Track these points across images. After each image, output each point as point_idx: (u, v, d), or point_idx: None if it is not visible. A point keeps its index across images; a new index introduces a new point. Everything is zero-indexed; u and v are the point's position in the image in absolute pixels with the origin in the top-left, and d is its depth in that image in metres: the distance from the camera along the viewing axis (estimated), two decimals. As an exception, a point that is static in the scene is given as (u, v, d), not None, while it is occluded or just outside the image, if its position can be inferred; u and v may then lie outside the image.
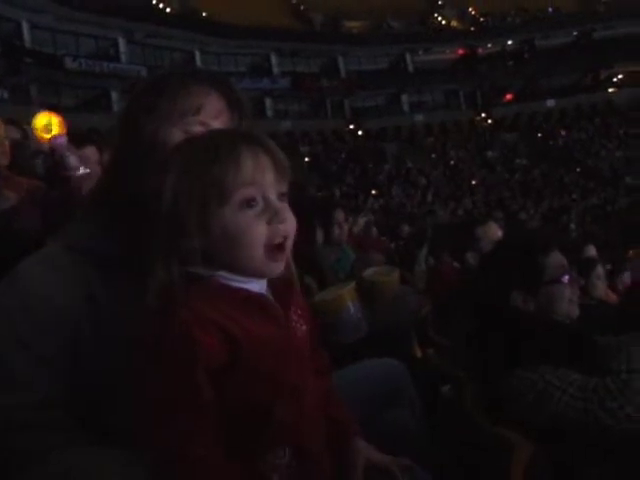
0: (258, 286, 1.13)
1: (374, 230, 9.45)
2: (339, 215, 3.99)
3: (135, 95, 1.34)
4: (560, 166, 30.99)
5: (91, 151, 2.97)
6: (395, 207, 24.41)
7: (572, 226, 18.44)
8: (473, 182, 29.84)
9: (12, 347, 1.16)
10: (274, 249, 1.09)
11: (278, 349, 1.09)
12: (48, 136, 2.39)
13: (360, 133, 34.46)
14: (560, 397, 1.66)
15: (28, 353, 1.16)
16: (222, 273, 1.09)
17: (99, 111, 26.22)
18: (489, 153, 33.59)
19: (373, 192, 26.55)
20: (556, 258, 1.95)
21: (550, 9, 38.58)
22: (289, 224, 1.11)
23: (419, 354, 3.60)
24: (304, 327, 1.20)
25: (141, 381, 1.03)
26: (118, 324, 1.14)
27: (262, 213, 1.08)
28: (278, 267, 1.11)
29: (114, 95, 28.36)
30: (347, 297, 2.99)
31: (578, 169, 30.75)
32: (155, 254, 1.06)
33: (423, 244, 6.04)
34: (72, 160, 2.30)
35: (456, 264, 3.80)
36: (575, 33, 37.62)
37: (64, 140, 2.33)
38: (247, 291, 1.11)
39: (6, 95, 23.32)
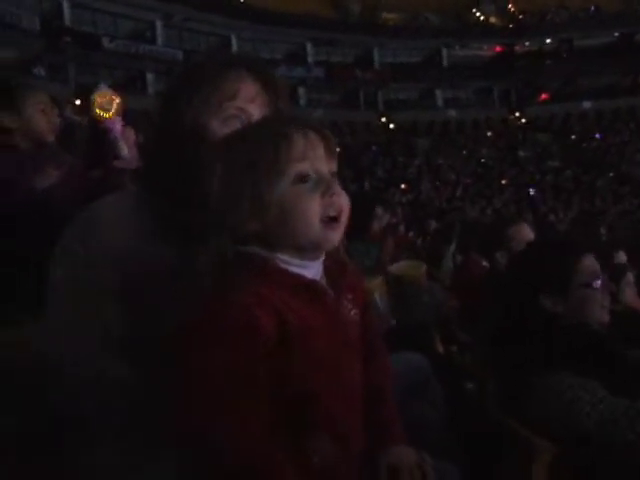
0: (313, 271, 1.14)
1: (401, 228, 9.43)
2: (378, 211, 3.99)
3: (172, 83, 1.38)
4: (593, 170, 30.53)
5: (128, 132, 3.01)
6: (423, 202, 24.28)
7: (602, 231, 18.17)
8: (503, 181, 29.54)
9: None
10: (330, 221, 1.11)
11: (328, 337, 1.11)
12: (106, 115, 2.38)
13: (392, 126, 34.26)
14: (589, 412, 1.64)
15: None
16: (280, 256, 1.11)
17: (134, 92, 26.44)
18: (521, 153, 33.19)
19: (402, 186, 26.43)
20: (589, 262, 1.94)
21: (592, 8, 37.87)
22: (343, 198, 1.13)
23: (441, 350, 3.61)
24: (355, 312, 1.20)
25: (194, 362, 1.03)
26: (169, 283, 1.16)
27: (315, 187, 1.10)
28: (335, 236, 1.12)
29: (149, 77, 28.55)
30: (375, 289, 3.01)
31: (611, 174, 30.26)
32: (209, 231, 1.08)
33: (451, 240, 6.02)
34: (124, 151, 2.28)
35: (485, 262, 3.79)
36: (616, 34, 36.88)
37: (121, 128, 2.32)
38: (302, 277, 1.12)
39: (43, 73, 23.61)
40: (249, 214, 1.08)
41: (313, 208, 1.09)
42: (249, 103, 1.29)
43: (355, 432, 1.17)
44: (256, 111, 1.30)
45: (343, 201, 1.13)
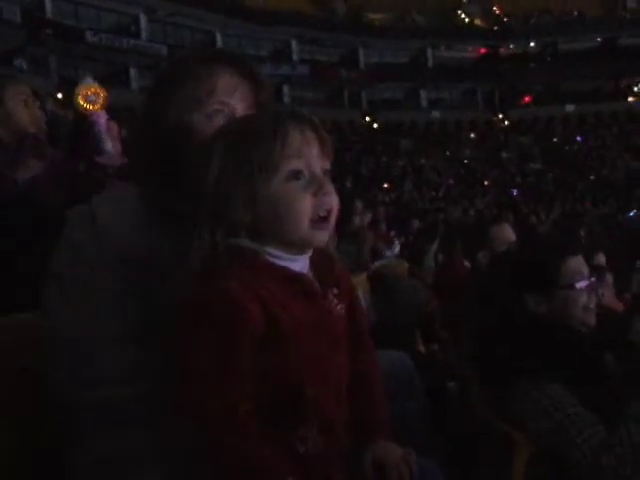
0: (301, 264, 1.16)
1: (382, 226, 9.46)
2: (358, 205, 4.01)
3: (156, 81, 1.39)
4: (574, 172, 30.82)
5: (114, 127, 2.98)
6: (406, 202, 24.36)
7: (582, 233, 18.34)
8: (486, 182, 29.72)
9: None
10: (319, 221, 1.12)
11: (313, 329, 1.12)
12: (91, 108, 2.34)
13: (375, 126, 34.34)
14: (575, 440, 1.62)
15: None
16: (268, 249, 1.12)
17: (117, 87, 26.26)
18: (503, 154, 33.42)
19: (385, 186, 26.50)
20: (574, 263, 1.92)
21: (575, 13, 38.23)
22: (333, 198, 1.14)
23: (422, 349, 3.63)
24: (341, 306, 1.21)
25: (183, 345, 1.06)
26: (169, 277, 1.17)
27: (308, 186, 1.11)
28: (323, 236, 1.14)
29: (133, 72, 28.39)
30: (358, 286, 3.01)
31: (592, 177, 30.56)
32: (202, 223, 1.10)
33: (434, 240, 6.05)
34: (108, 145, 2.26)
35: (467, 262, 3.81)
36: (599, 39, 37.28)
37: (106, 122, 2.29)
38: (289, 270, 1.13)
39: (25, 66, 23.38)
40: (241, 207, 1.09)
41: (304, 207, 1.10)
42: (229, 96, 1.30)
43: (340, 423, 1.18)
44: (238, 104, 1.30)
45: (333, 200, 1.14)
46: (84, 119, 2.30)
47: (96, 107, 2.27)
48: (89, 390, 1.19)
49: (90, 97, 2.28)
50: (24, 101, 2.55)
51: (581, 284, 1.90)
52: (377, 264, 3.66)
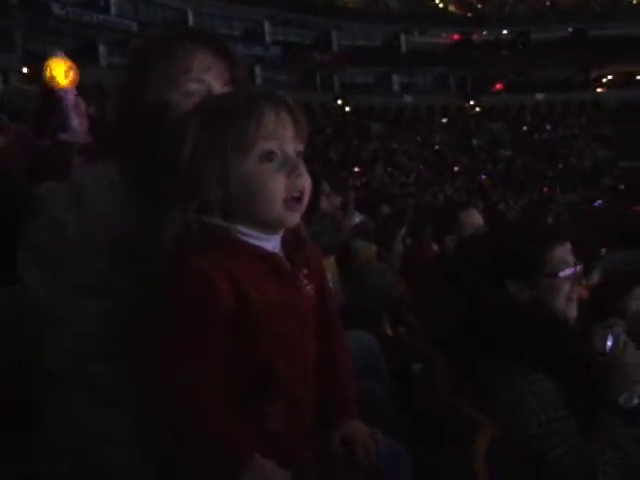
0: (272, 244, 1.16)
1: (351, 208, 9.47)
2: (325, 187, 4.00)
3: (130, 62, 1.41)
4: (543, 160, 31.21)
5: (81, 103, 2.93)
6: (376, 187, 24.43)
7: (549, 221, 18.62)
8: (456, 168, 29.95)
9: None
10: (292, 201, 1.12)
11: (284, 307, 1.13)
12: (61, 83, 2.29)
13: (347, 109, 34.29)
14: (554, 448, 1.59)
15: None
16: (240, 228, 1.13)
17: (85, 62, 25.73)
18: (474, 141, 33.68)
19: (356, 169, 26.54)
20: (559, 252, 1.88)
21: (548, 3, 38.54)
22: (306, 179, 1.15)
23: (389, 332, 3.65)
24: (310, 287, 1.22)
25: (155, 319, 1.07)
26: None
27: (281, 167, 1.12)
28: (295, 217, 1.15)
29: (101, 48, 27.86)
30: (327, 269, 3.01)
31: (560, 165, 31.00)
32: (174, 200, 1.10)
33: (403, 225, 6.08)
34: (74, 123, 2.21)
35: (435, 246, 3.83)
36: (570, 29, 37.66)
37: (74, 98, 2.24)
38: (261, 249, 1.14)
39: (-12, 37, 22.79)
40: (214, 185, 1.09)
41: (277, 188, 1.11)
42: (205, 73, 1.30)
43: (306, 401, 1.20)
44: (214, 81, 1.30)
45: (306, 182, 1.14)
46: (51, 94, 2.25)
47: (66, 82, 2.22)
48: (70, 362, 1.20)
49: (60, 72, 2.23)
50: None
51: (565, 273, 1.87)
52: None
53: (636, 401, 1.66)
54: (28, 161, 2.29)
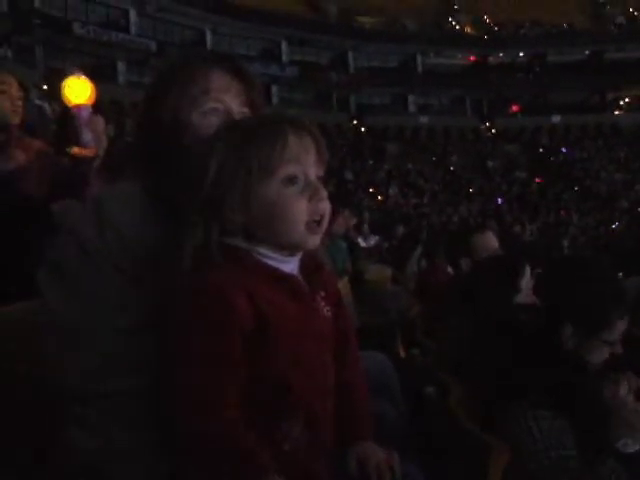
0: (291, 266, 1.18)
1: (365, 227, 9.49)
2: (342, 211, 4.00)
3: (151, 86, 1.43)
4: (558, 183, 31.08)
5: (97, 120, 2.96)
6: (391, 207, 24.42)
7: (565, 243, 18.50)
8: (471, 190, 29.88)
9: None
10: (313, 224, 1.15)
11: (302, 327, 1.15)
12: (76, 101, 2.34)
13: (363, 130, 34.40)
14: None
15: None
16: (260, 249, 1.15)
17: (104, 80, 26.07)
18: (489, 163, 33.62)
19: (370, 190, 26.55)
20: (622, 324, 1.86)
21: (565, 25, 38.58)
22: (326, 204, 1.17)
23: (402, 353, 3.64)
24: (328, 309, 1.24)
25: (176, 335, 1.08)
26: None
27: (303, 190, 1.14)
28: (316, 240, 1.17)
29: (120, 66, 28.21)
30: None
31: (576, 187, 30.84)
32: (197, 220, 1.12)
33: (417, 246, 6.08)
34: (87, 138, 2.26)
35: (449, 269, 3.83)
36: (587, 52, 37.66)
37: (88, 113, 2.29)
38: (279, 271, 1.16)
39: (10, 54, 23.09)
40: (237, 207, 1.12)
41: (300, 211, 1.13)
42: (223, 93, 1.33)
43: (325, 420, 1.20)
44: (232, 100, 1.33)
45: (326, 206, 1.17)
46: (69, 112, 2.30)
47: (83, 100, 2.27)
48: (95, 382, 1.21)
49: (77, 90, 2.28)
50: (5, 92, 2.53)
51: (615, 341, 1.86)
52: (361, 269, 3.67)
53: (634, 448, 1.66)
54: (49, 178, 2.32)
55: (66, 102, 2.29)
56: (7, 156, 2.44)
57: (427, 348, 3.39)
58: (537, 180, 31.01)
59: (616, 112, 36.95)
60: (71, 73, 2.36)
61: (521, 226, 21.21)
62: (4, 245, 1.78)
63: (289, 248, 1.16)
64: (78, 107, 2.24)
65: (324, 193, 1.16)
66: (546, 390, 1.71)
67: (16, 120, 2.59)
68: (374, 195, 26.00)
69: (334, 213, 4.00)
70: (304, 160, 1.15)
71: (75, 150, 2.25)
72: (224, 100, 1.32)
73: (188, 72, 1.35)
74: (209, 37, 31.00)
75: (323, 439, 1.20)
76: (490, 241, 3.47)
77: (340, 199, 5.30)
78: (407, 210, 24.33)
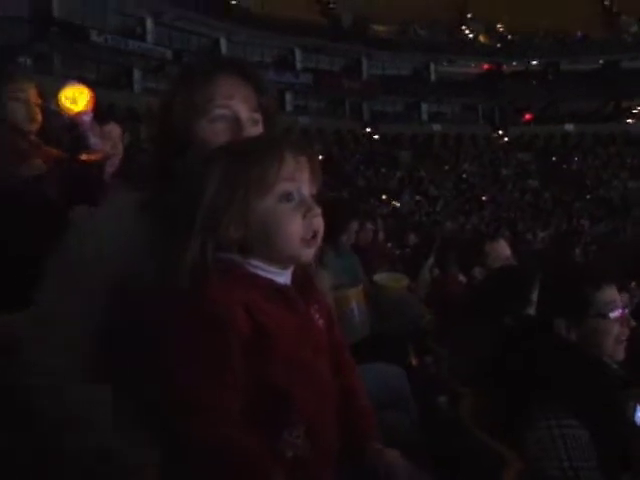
0: (284, 278, 1.22)
1: (381, 235, 9.45)
2: (353, 226, 3.99)
3: (165, 91, 1.44)
4: (571, 191, 30.92)
5: (113, 128, 3.00)
6: (403, 215, 24.39)
7: (577, 252, 18.40)
8: (483, 198, 29.80)
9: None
10: (308, 240, 1.19)
11: (298, 337, 1.17)
12: (76, 109, 2.38)
13: (376, 137, 34.42)
14: None
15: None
16: (254, 262, 1.18)
17: (120, 88, 26.27)
18: (502, 171, 33.52)
19: (383, 197, 26.54)
20: (608, 293, 1.88)
21: (579, 34, 38.45)
22: (320, 220, 1.21)
23: (414, 362, 3.64)
24: (321, 321, 1.27)
25: (175, 347, 1.10)
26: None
27: (298, 207, 1.18)
28: (310, 253, 1.21)
29: (136, 74, 28.39)
30: (353, 298, 3.02)
31: (589, 196, 30.68)
32: (194, 236, 1.14)
33: (430, 254, 6.05)
34: (93, 141, 2.30)
35: (462, 277, 3.82)
36: (601, 61, 37.50)
37: (90, 118, 2.33)
38: (274, 282, 1.19)
39: (29, 62, 23.32)
40: (233, 224, 1.15)
41: (295, 227, 1.17)
42: (230, 99, 1.33)
43: (328, 429, 1.22)
44: (240, 105, 1.34)
45: (320, 223, 1.21)
46: (75, 124, 2.35)
47: (81, 107, 2.31)
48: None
49: (73, 98, 2.33)
50: (16, 98, 2.56)
51: (615, 314, 1.86)
52: (378, 276, 3.67)
53: None
54: (67, 185, 2.36)
55: (67, 112, 2.34)
56: (29, 163, 2.48)
57: (439, 357, 3.40)
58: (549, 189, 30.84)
59: (629, 121, 36.72)
60: (66, 83, 2.41)
61: (533, 234, 21.12)
62: (33, 250, 1.80)
63: (283, 261, 1.20)
64: (79, 114, 2.29)
65: (318, 210, 1.20)
66: (568, 398, 1.69)
67: (34, 127, 2.62)
68: (386, 203, 25.97)
69: (361, 226, 4.00)
70: (299, 178, 1.19)
71: (85, 156, 2.29)
72: (230, 106, 1.33)
73: (193, 80, 1.36)
74: (224, 45, 31.13)
75: (327, 448, 1.21)
76: (503, 249, 3.47)
77: (353, 206, 5.27)
78: (419, 218, 24.29)
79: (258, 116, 1.37)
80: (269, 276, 1.19)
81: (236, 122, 1.32)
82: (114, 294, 1.24)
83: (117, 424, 1.20)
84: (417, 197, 28.61)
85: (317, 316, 1.26)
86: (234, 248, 1.17)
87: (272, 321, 1.13)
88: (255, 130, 1.35)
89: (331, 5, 36.73)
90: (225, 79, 1.34)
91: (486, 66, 37.88)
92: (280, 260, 1.19)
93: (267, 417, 1.13)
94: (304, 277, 1.25)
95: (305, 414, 1.17)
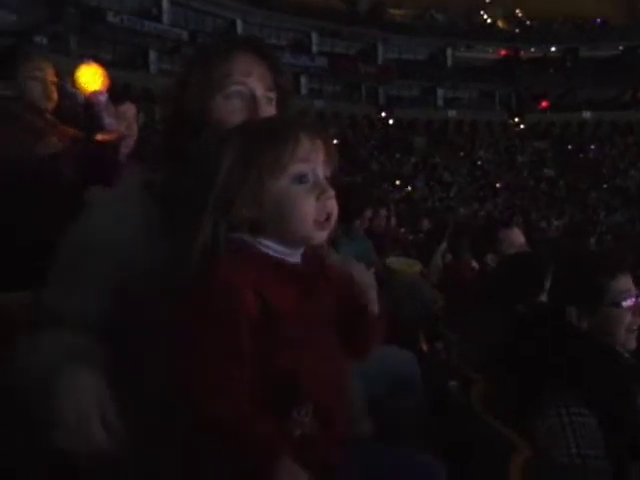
0: (295, 258, 1.21)
1: (393, 220, 9.44)
2: (367, 213, 4.00)
3: (180, 70, 1.43)
4: (587, 180, 30.69)
5: (128, 107, 3.00)
6: (417, 200, 24.33)
7: (592, 241, 18.27)
8: (498, 185, 29.64)
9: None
10: (321, 222, 1.18)
11: (306, 316, 1.17)
12: (91, 88, 2.39)
13: (391, 122, 34.27)
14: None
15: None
16: (265, 242, 1.17)
17: (136, 69, 26.29)
18: (518, 158, 33.30)
19: (397, 182, 26.47)
20: (622, 282, 1.88)
21: (598, 20, 37.96)
22: (334, 202, 1.20)
23: (425, 347, 3.64)
24: (330, 299, 1.25)
25: (184, 328, 1.10)
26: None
27: (312, 189, 1.17)
28: (323, 237, 1.20)
29: (152, 54, 28.39)
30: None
31: (605, 185, 30.43)
32: (206, 216, 1.14)
33: (442, 240, 6.04)
34: (107, 121, 2.30)
35: (474, 264, 3.81)
36: (621, 47, 37.02)
37: (105, 98, 2.34)
38: (284, 261, 1.18)
39: (45, 42, 23.37)
40: (246, 205, 1.14)
41: (309, 209, 1.16)
42: (246, 77, 1.33)
43: (336, 409, 1.22)
44: (256, 83, 1.34)
45: (334, 205, 1.20)
46: (89, 104, 2.36)
47: (96, 87, 2.32)
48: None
49: (89, 78, 2.33)
50: (33, 77, 2.58)
51: (628, 303, 1.85)
52: (391, 260, 3.67)
53: None
54: (84, 164, 2.37)
55: (82, 91, 2.35)
56: (46, 142, 2.49)
57: (450, 342, 3.40)
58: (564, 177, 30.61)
59: (647, 109, 36.32)
60: (81, 62, 2.42)
61: (547, 223, 20.99)
62: (49, 228, 1.82)
63: (296, 243, 1.20)
64: (94, 94, 2.29)
65: (332, 192, 1.19)
66: (580, 386, 1.69)
67: (50, 105, 2.63)
68: (400, 188, 25.91)
69: (375, 213, 4.01)
70: (314, 160, 1.18)
71: (99, 136, 2.30)
72: (247, 83, 1.32)
73: (210, 57, 1.36)
74: (240, 26, 31.04)
75: (336, 429, 1.21)
76: (517, 237, 3.45)
77: (367, 193, 5.27)
78: (433, 204, 24.22)
79: (273, 95, 1.37)
80: (280, 256, 1.18)
81: (252, 100, 1.32)
82: (122, 278, 1.25)
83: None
84: (431, 183, 28.50)
85: (325, 294, 1.25)
86: (245, 227, 1.16)
87: (281, 300, 1.13)
88: (269, 109, 1.35)
89: (348, -12, 36.49)
90: (242, 57, 1.34)
91: (504, 52, 37.54)
92: (293, 241, 1.19)
93: (275, 397, 1.13)
94: (314, 255, 1.25)
95: (313, 394, 1.17)
